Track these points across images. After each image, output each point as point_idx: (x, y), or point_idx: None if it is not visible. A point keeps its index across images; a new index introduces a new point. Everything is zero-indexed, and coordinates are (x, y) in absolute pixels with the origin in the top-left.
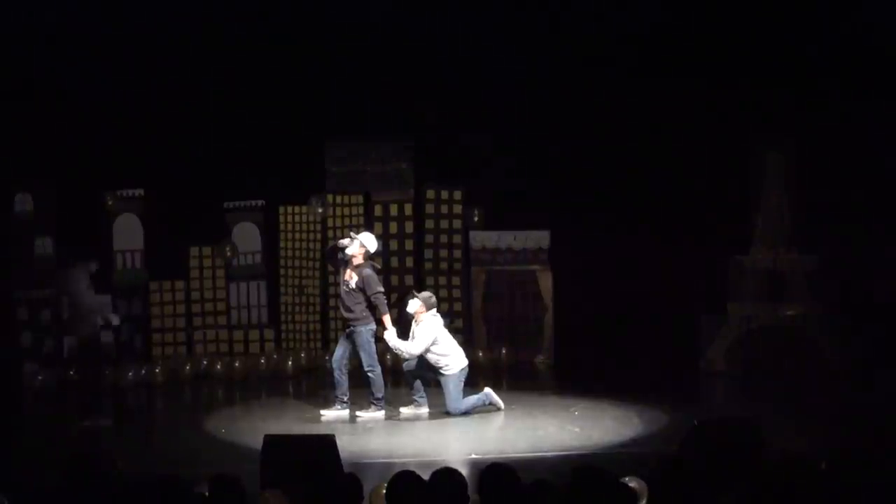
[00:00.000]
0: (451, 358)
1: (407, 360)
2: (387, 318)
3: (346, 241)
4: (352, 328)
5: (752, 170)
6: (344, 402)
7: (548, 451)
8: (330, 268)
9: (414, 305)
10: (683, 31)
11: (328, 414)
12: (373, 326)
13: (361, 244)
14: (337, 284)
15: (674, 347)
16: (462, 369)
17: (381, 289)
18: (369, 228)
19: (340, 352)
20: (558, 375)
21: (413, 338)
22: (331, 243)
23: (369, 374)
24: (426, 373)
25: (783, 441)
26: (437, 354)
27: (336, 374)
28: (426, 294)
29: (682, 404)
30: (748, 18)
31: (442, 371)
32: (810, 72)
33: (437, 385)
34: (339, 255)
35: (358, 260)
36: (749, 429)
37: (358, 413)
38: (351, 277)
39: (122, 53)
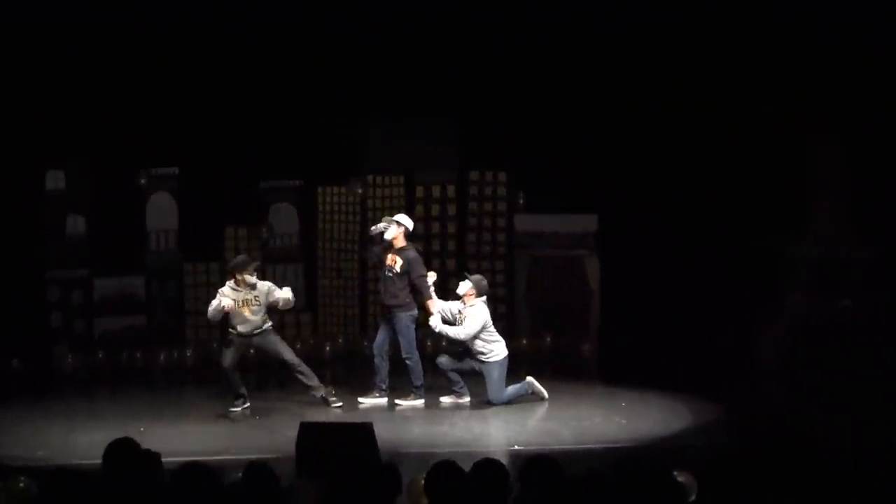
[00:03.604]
0: (499, 345)
1: (452, 344)
2: (431, 303)
3: (381, 226)
4: (392, 314)
5: (809, 156)
6: (382, 390)
7: (593, 443)
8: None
9: (464, 287)
10: (738, 12)
11: (366, 401)
12: (414, 313)
13: (399, 223)
14: (376, 269)
15: (726, 338)
16: (505, 357)
17: (426, 272)
18: (410, 211)
19: (382, 337)
20: (604, 365)
21: (461, 322)
22: (370, 231)
23: (407, 361)
24: (462, 364)
25: (837, 438)
26: (485, 341)
27: (377, 360)
28: (478, 277)
29: (734, 397)
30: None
31: (486, 358)
32: (863, 57)
33: (476, 374)
34: (375, 247)
35: (400, 242)
36: (803, 424)
37: (397, 401)
38: (395, 262)
39: (161, 28)
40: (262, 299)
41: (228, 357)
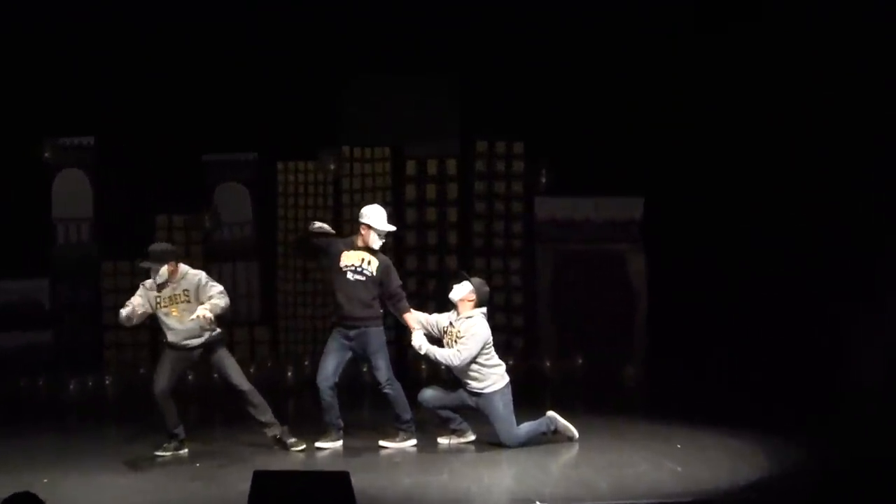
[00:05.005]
0: (498, 370)
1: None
2: (410, 317)
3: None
4: (362, 329)
5: None
6: (340, 429)
7: (639, 497)
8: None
9: (462, 291)
10: None
11: (325, 445)
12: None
13: (371, 227)
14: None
15: (810, 357)
16: (507, 384)
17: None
18: (399, 191)
19: (334, 365)
20: (653, 394)
21: (452, 339)
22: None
23: (387, 390)
24: (452, 399)
25: None
26: (482, 365)
27: (327, 395)
28: (480, 280)
29: (822, 435)
30: None
31: (482, 388)
32: None
33: (472, 410)
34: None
35: (374, 242)
36: None
37: (382, 443)
38: (367, 262)
39: None
40: (194, 295)
41: (160, 379)
